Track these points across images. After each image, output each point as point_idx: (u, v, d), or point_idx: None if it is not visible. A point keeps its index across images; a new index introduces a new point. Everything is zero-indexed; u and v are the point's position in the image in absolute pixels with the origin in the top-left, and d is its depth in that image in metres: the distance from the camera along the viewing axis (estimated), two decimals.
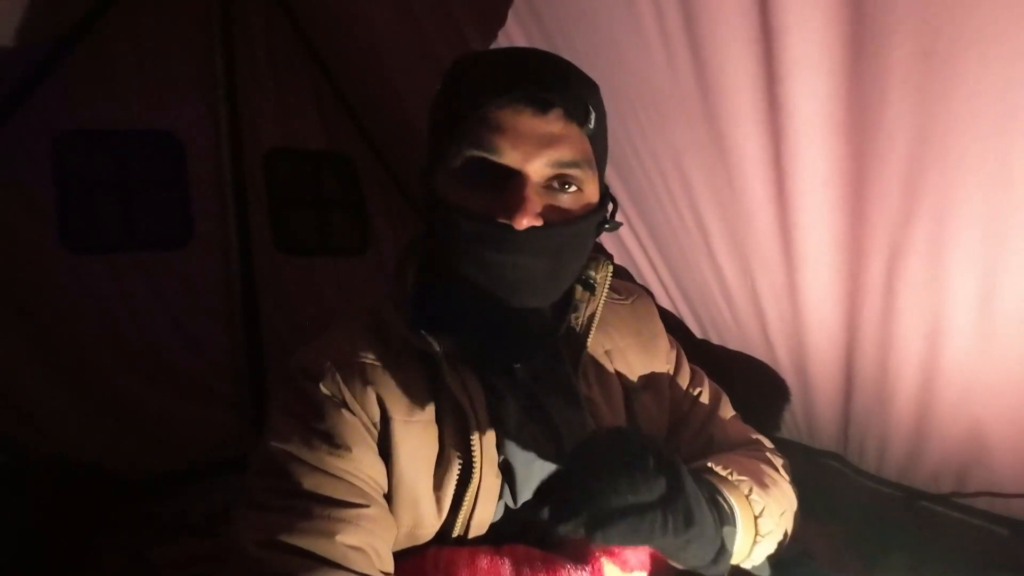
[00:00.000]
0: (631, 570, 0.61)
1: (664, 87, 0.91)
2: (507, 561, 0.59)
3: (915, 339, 0.86)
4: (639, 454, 0.47)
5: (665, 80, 0.90)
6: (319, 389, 0.60)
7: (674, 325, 1.31)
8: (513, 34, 1.11)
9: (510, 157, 0.57)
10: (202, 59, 1.72)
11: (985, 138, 0.64)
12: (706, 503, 0.54)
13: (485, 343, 0.65)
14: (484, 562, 0.58)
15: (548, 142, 0.58)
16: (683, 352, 0.83)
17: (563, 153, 0.59)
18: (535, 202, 0.58)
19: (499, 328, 0.65)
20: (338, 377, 0.61)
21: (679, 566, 0.58)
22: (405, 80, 1.58)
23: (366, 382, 0.61)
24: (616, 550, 0.61)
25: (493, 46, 1.17)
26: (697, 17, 0.78)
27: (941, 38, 0.61)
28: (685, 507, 0.48)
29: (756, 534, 0.61)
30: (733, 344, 1.23)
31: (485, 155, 0.58)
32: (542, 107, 0.58)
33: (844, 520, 1.12)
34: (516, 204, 0.57)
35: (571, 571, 0.59)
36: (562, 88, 0.59)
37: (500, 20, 1.11)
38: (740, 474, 0.63)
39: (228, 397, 1.84)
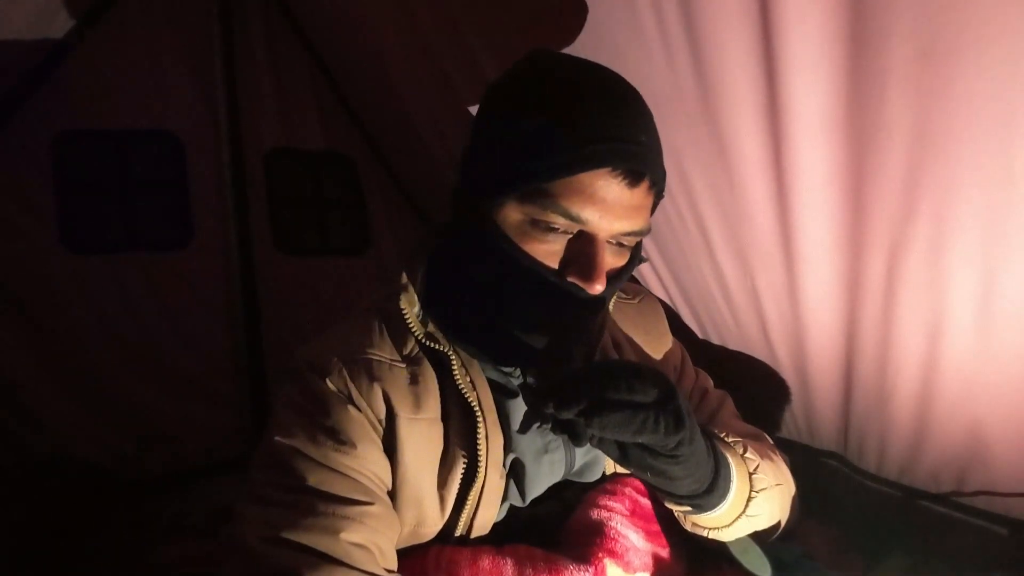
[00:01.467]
0: (634, 571, 0.61)
1: (664, 87, 0.91)
2: (509, 561, 0.59)
3: (915, 338, 0.86)
4: (639, 368, 0.52)
5: (665, 80, 0.90)
6: (326, 385, 0.60)
7: (675, 325, 1.31)
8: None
9: (594, 225, 0.56)
10: (202, 59, 1.72)
11: (984, 137, 0.64)
12: (700, 433, 0.56)
13: (497, 347, 0.65)
14: (486, 562, 0.58)
15: (630, 212, 0.57)
16: (687, 353, 0.83)
17: (638, 223, 0.58)
18: (607, 265, 0.58)
19: (512, 332, 0.65)
20: (345, 373, 0.60)
21: (675, 501, 0.60)
22: (405, 80, 1.58)
23: (372, 379, 0.61)
24: (619, 551, 0.61)
25: (495, 51, 1.17)
26: (697, 17, 0.79)
27: (940, 38, 0.61)
28: (676, 411, 0.50)
29: (751, 489, 0.62)
30: (733, 344, 1.23)
31: (570, 216, 0.55)
32: (635, 180, 0.56)
33: (844, 519, 1.12)
34: (594, 273, 0.56)
35: (574, 572, 0.59)
36: (655, 158, 0.58)
37: (504, 26, 1.11)
38: (735, 437, 0.66)
39: (228, 397, 1.84)
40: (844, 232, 0.84)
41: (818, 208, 0.85)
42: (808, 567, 0.73)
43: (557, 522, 0.67)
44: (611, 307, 0.73)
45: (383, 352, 0.64)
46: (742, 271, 1.07)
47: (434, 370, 0.64)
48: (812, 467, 1.19)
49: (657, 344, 0.79)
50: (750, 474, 0.63)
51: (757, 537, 0.68)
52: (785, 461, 0.74)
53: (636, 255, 0.64)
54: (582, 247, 0.57)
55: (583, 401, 0.48)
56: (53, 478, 1.54)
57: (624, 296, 0.81)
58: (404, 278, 0.66)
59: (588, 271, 0.56)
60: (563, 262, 0.57)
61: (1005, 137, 0.63)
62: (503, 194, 0.57)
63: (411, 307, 0.64)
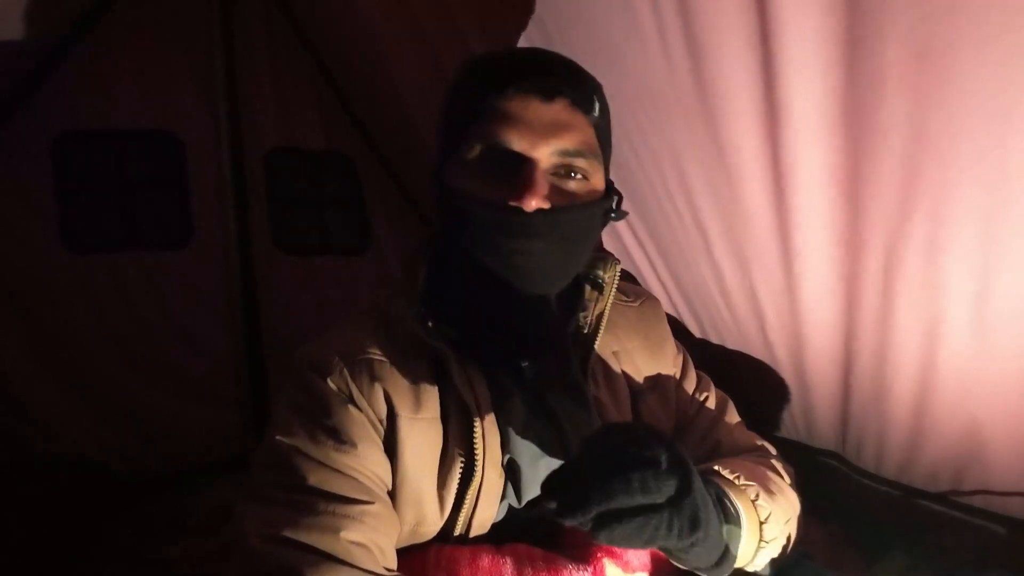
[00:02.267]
0: (633, 571, 0.62)
1: (662, 87, 0.91)
2: (509, 560, 0.59)
3: (913, 337, 0.87)
4: (652, 451, 0.47)
5: (663, 80, 0.90)
6: (326, 384, 0.60)
7: (674, 328, 1.31)
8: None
9: (518, 144, 0.59)
10: (202, 58, 1.72)
11: (980, 136, 0.64)
12: (713, 505, 0.53)
13: (493, 340, 0.65)
14: (486, 561, 0.59)
15: (555, 129, 0.60)
16: (689, 357, 0.83)
17: (569, 141, 0.61)
18: (543, 185, 0.60)
19: (508, 324, 0.65)
20: (346, 372, 0.61)
21: (682, 567, 0.57)
22: (405, 80, 1.58)
23: (373, 378, 0.61)
24: (618, 551, 0.61)
25: (493, 47, 1.17)
26: (694, 17, 0.79)
27: (936, 37, 0.61)
28: (692, 509, 0.47)
29: (761, 539, 0.61)
30: (732, 343, 1.24)
31: (495, 143, 0.60)
32: (549, 95, 0.60)
33: (842, 518, 1.12)
34: (525, 187, 0.58)
35: (573, 571, 0.59)
36: (568, 77, 0.62)
37: (502, 23, 1.11)
38: (747, 479, 0.63)
39: (228, 397, 1.84)
40: (841, 230, 0.85)
41: (815, 207, 0.85)
42: (807, 567, 0.73)
43: (556, 522, 0.67)
44: (609, 308, 0.72)
45: (383, 352, 0.64)
46: (740, 270, 1.07)
47: (434, 369, 0.64)
48: (811, 466, 1.19)
49: (658, 348, 0.79)
50: (761, 523, 0.61)
51: None
52: (790, 474, 0.73)
53: (603, 198, 0.66)
54: (517, 172, 0.60)
55: (591, 511, 0.44)
56: (54, 478, 1.54)
57: (625, 299, 0.80)
58: (404, 277, 0.66)
59: (519, 187, 0.58)
60: (504, 192, 0.60)
61: (1001, 136, 0.63)
62: (449, 157, 0.64)
63: (410, 306, 0.64)
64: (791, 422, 1.22)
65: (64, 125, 1.57)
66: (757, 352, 1.18)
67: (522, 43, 1.10)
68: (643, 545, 0.47)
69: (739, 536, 0.58)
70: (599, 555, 0.60)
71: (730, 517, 0.57)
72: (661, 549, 0.51)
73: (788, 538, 0.67)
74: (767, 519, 0.61)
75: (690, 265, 1.18)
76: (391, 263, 2.06)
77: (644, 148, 1.05)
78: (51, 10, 1.43)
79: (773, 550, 0.63)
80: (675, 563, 0.57)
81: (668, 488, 0.46)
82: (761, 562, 0.63)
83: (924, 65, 0.63)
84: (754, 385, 1.20)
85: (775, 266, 0.98)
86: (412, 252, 0.71)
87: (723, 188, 0.97)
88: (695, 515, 0.47)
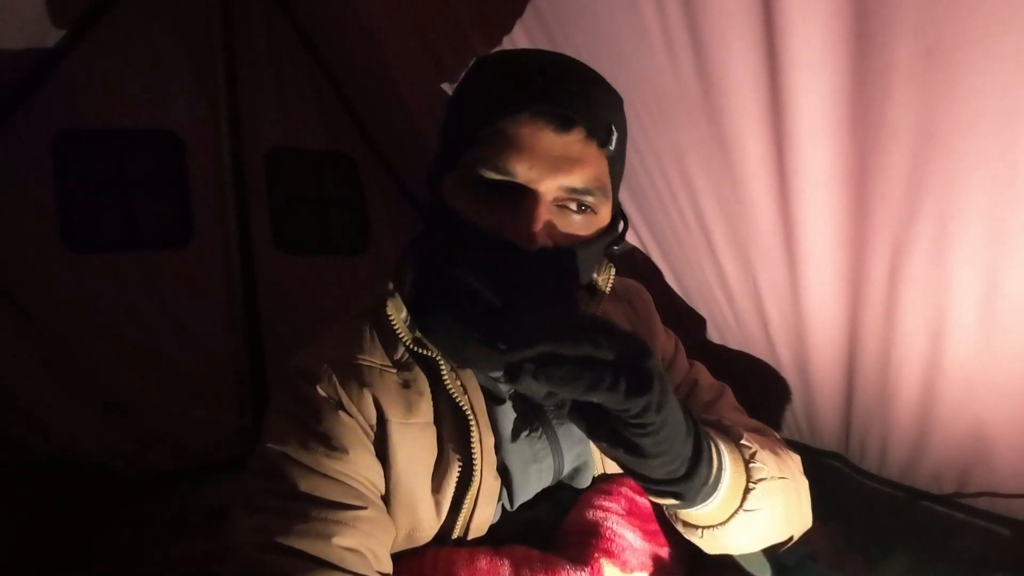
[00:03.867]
0: (631, 571, 0.61)
1: (666, 86, 0.91)
2: (506, 562, 0.59)
3: (917, 338, 0.86)
4: (612, 325, 0.45)
5: (667, 79, 0.90)
6: (316, 391, 0.60)
7: (681, 318, 1.30)
8: (515, 34, 1.11)
9: (524, 176, 0.54)
10: (203, 58, 1.73)
11: (988, 135, 0.64)
12: (683, 413, 0.49)
13: (483, 346, 0.64)
14: (483, 563, 0.58)
15: (565, 163, 0.55)
16: (681, 345, 0.82)
17: (578, 179, 0.56)
18: (548, 222, 0.56)
19: (497, 330, 0.64)
20: (335, 379, 0.61)
21: (655, 492, 0.53)
22: (406, 80, 1.58)
23: (363, 384, 0.61)
24: (615, 551, 0.61)
25: (494, 46, 1.17)
26: (699, 16, 0.78)
27: (944, 36, 0.61)
28: (644, 372, 0.43)
29: (748, 480, 0.56)
30: (734, 343, 1.23)
31: (500, 171, 0.55)
32: (563, 125, 0.55)
33: (846, 520, 1.12)
34: (528, 225, 0.55)
35: (570, 572, 0.58)
36: (586, 106, 0.56)
37: (502, 20, 1.11)
38: (731, 423, 0.60)
39: (228, 397, 1.84)
40: (847, 231, 0.84)
41: (821, 207, 0.84)
42: (811, 567, 0.72)
43: (554, 523, 0.66)
44: (600, 310, 0.71)
45: (374, 358, 0.64)
46: (744, 270, 1.06)
47: (425, 374, 0.64)
48: (814, 467, 1.17)
49: (647, 339, 0.77)
50: (746, 462, 0.57)
51: (765, 544, 0.64)
52: (795, 460, 0.69)
53: (608, 230, 0.62)
54: (519, 204, 0.55)
55: (534, 348, 0.42)
56: (55, 478, 1.54)
57: (615, 294, 0.79)
58: (391, 283, 0.66)
59: (520, 223, 0.55)
60: (504, 224, 0.56)
61: (1009, 135, 0.63)
62: (448, 171, 0.60)
63: (398, 312, 0.64)
64: (794, 423, 1.22)
65: (64, 124, 1.57)
66: (760, 352, 1.18)
67: (523, 42, 1.10)
68: (583, 394, 0.42)
69: (720, 458, 0.53)
70: (596, 556, 0.60)
71: (700, 435, 0.52)
72: (619, 435, 0.46)
73: (786, 511, 0.63)
74: (753, 458, 0.57)
75: (693, 264, 1.17)
76: (391, 263, 2.06)
77: (647, 147, 1.05)
78: (51, 10, 1.43)
79: (764, 498, 0.57)
80: (647, 488, 0.53)
81: (620, 348, 0.43)
82: (753, 506, 0.56)
83: (932, 63, 0.63)
84: (757, 385, 1.19)
85: (779, 266, 0.98)
86: (400, 254, 0.69)
87: (727, 188, 0.96)
88: (647, 378, 0.43)
